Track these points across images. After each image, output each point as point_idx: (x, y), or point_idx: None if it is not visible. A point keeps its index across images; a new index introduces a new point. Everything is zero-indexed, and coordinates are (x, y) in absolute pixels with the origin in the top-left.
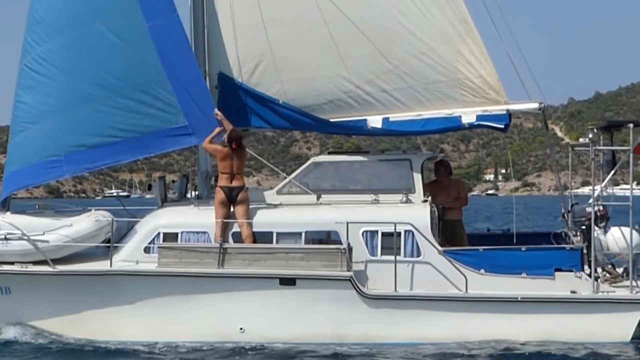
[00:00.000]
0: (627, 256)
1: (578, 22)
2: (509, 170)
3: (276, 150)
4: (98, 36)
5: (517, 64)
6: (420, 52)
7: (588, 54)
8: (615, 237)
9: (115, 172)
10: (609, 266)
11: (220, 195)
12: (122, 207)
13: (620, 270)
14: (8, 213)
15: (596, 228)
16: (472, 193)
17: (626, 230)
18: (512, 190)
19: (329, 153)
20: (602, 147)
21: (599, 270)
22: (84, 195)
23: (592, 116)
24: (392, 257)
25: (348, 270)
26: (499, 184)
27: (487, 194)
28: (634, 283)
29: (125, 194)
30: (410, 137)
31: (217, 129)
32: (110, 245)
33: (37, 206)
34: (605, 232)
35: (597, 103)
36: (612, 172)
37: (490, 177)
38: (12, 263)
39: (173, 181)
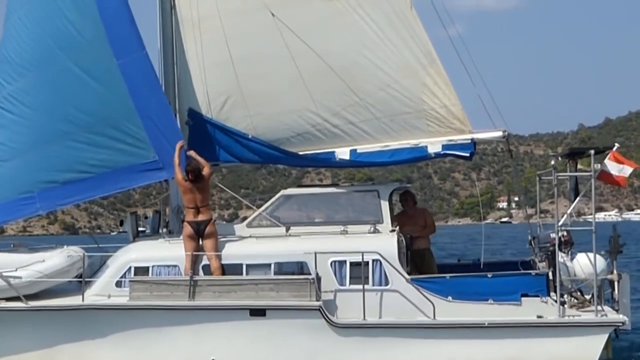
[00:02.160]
0: (596, 281)
1: (586, 48)
2: (522, 198)
3: (288, 182)
4: (68, 73)
5: (482, 93)
6: (386, 85)
7: (597, 80)
8: (581, 263)
9: (129, 207)
10: (577, 292)
11: (187, 230)
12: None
13: (588, 296)
14: None
15: (563, 254)
16: (486, 221)
17: (592, 255)
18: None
19: (299, 186)
20: (563, 174)
21: (566, 296)
22: (99, 230)
23: (603, 142)
24: (360, 287)
25: (317, 300)
26: (513, 211)
27: (501, 222)
28: (599, 307)
29: (141, 228)
30: (421, 166)
31: (178, 145)
32: (82, 279)
33: (12, 245)
34: (572, 258)
35: (607, 129)
36: (577, 198)
37: (504, 204)
38: None
39: (146, 217)
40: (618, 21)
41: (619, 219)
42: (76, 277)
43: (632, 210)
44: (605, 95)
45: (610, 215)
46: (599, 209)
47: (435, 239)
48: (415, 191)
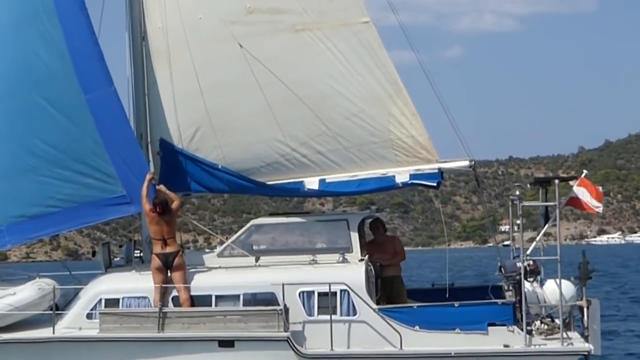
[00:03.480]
0: (563, 308)
1: (586, 71)
2: (524, 221)
3: (289, 207)
4: (37, 108)
5: (447, 122)
6: (353, 114)
7: (597, 103)
8: (551, 290)
9: (131, 233)
10: (548, 318)
11: (155, 262)
12: (69, 273)
13: (559, 321)
14: None
15: (531, 281)
16: (489, 244)
17: (562, 282)
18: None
19: (270, 215)
20: (528, 203)
21: (537, 322)
22: None
23: (604, 164)
24: (328, 317)
25: (285, 331)
26: (515, 234)
27: (504, 245)
28: (565, 334)
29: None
30: (422, 191)
31: (148, 176)
32: (52, 312)
33: None
34: (542, 284)
35: (608, 151)
36: (546, 226)
37: (506, 227)
38: None
39: (120, 246)
40: (618, 44)
41: (622, 242)
42: (50, 308)
43: (635, 232)
44: (605, 117)
45: (613, 238)
46: (602, 232)
47: (438, 263)
48: (416, 215)
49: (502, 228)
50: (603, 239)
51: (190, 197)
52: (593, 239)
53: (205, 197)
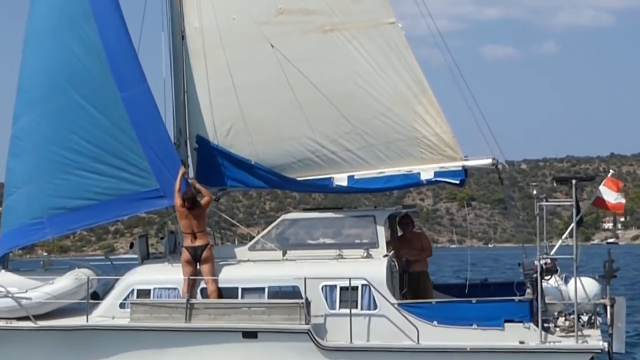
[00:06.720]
0: (587, 306)
1: None
2: (628, 219)
3: (390, 202)
4: (75, 106)
5: (473, 120)
6: (380, 113)
7: None
8: (574, 288)
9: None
10: (571, 315)
11: (185, 255)
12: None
13: (585, 318)
14: (3, 271)
15: (548, 279)
16: (593, 242)
17: (586, 280)
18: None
19: (304, 210)
20: (545, 203)
21: (561, 319)
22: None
23: None
24: (348, 311)
25: (306, 324)
26: (619, 232)
27: (608, 243)
28: (581, 332)
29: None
30: (522, 187)
31: (181, 172)
32: (88, 301)
33: (42, 263)
34: (566, 282)
35: None
36: (570, 227)
37: (609, 225)
38: None
39: (162, 238)
40: None
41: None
42: (91, 297)
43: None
44: None
45: None
46: None
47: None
48: (517, 211)
49: (605, 226)
50: None
51: (226, 191)
52: None
53: (307, 192)
